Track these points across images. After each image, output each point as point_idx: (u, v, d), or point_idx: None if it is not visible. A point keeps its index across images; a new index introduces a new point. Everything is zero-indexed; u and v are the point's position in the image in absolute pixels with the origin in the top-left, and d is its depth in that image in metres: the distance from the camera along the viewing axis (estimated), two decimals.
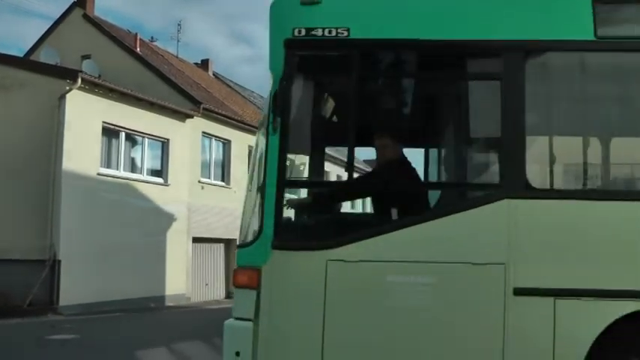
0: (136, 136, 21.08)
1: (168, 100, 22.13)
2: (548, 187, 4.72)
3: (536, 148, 4.71)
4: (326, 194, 5.26)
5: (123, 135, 20.31)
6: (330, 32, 4.55)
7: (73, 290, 17.59)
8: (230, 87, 34.00)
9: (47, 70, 18.97)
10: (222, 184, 25.48)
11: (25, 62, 20.66)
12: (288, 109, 4.54)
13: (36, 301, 17.10)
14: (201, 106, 23.20)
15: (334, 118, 5.20)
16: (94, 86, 18.78)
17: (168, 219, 21.87)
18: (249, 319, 4.50)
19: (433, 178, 5.88)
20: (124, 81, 21.47)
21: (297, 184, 5.09)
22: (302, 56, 4.64)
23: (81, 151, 18.37)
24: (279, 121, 4.51)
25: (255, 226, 4.69)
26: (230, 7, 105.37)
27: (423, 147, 6.40)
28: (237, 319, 4.60)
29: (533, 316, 4.25)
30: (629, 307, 4.14)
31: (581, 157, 4.81)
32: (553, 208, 4.44)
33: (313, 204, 5.15)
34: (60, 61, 22.95)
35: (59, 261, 17.46)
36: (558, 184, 4.84)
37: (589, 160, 4.82)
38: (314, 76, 4.72)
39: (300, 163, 5.32)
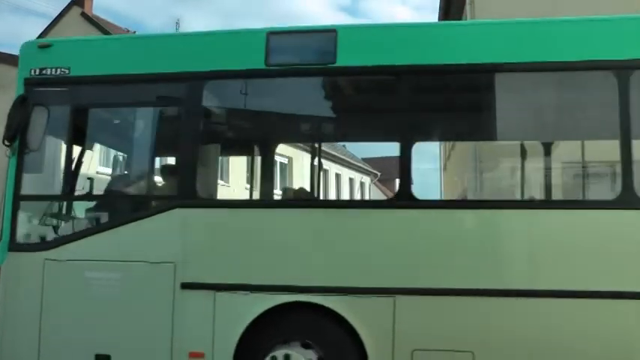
0: None
1: None
2: (213, 197, 5.96)
3: (205, 166, 5.72)
4: (53, 204, 6.09)
5: None
6: (55, 71, 5.64)
7: None
8: None
9: None
10: (222, 182, 25.41)
11: None
12: (25, 137, 5.58)
13: None
14: None
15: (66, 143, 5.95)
16: None
17: None
18: None
19: (130, 190, 6.42)
20: None
21: (30, 197, 5.74)
22: (38, 91, 5.66)
23: None
24: (15, 146, 5.57)
25: None
26: (228, 5, 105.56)
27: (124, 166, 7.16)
28: None
29: (198, 307, 5.08)
30: (278, 299, 4.99)
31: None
32: (215, 215, 5.43)
33: (45, 212, 5.96)
34: None
35: None
36: (222, 196, 6.39)
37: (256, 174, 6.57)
38: (48, 108, 5.63)
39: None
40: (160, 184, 6.15)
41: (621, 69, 4.89)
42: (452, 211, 5.29)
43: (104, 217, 5.75)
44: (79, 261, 5.37)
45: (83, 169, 6.00)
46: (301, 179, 7.09)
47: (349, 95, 6.23)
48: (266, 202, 6.63)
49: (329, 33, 5.39)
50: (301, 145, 7.10)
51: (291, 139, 7.44)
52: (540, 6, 12.09)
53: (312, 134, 7.10)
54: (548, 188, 6.70)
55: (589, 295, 4.67)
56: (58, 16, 26.34)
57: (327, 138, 7.06)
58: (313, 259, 5.08)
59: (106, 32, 25.24)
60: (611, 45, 5.06)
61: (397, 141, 5.15)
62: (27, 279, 5.47)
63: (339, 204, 6.07)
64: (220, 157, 6.42)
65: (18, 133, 5.55)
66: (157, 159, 6.32)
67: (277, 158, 7.23)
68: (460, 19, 14.17)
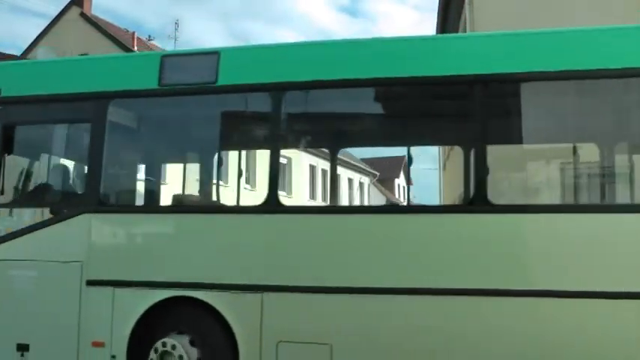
0: None
1: None
2: (116, 203, 6.66)
3: (110, 175, 6.37)
4: None
5: None
6: None
7: None
8: None
9: None
10: (221, 182, 25.41)
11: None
12: None
13: None
14: None
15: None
16: None
17: None
18: None
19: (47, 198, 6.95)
20: None
21: None
22: None
23: None
24: None
25: None
26: (228, 5, 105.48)
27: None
28: None
29: (100, 302, 5.70)
30: (163, 294, 5.58)
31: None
32: (117, 219, 6.12)
33: None
34: None
35: None
36: (125, 201, 6.89)
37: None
38: None
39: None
40: (71, 192, 6.77)
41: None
42: (307, 216, 6.01)
43: (28, 222, 6.44)
44: (4, 261, 6.10)
45: (12, 180, 6.76)
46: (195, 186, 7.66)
47: (233, 112, 6.68)
48: (158, 207, 7.05)
49: (212, 55, 6.00)
50: (190, 161, 7.91)
51: (180, 155, 7.96)
52: (539, 6, 12.11)
53: (200, 148, 7.73)
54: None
55: (438, 293, 5.08)
56: (57, 16, 26.41)
57: (211, 153, 7.49)
58: (196, 258, 5.64)
59: (105, 32, 25.25)
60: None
61: (268, 149, 5.77)
62: None
63: (219, 209, 6.48)
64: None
65: None
66: (71, 170, 7.00)
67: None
68: (459, 19, 14.19)
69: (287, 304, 5.39)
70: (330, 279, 5.31)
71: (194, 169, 7.79)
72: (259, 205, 5.62)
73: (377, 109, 6.57)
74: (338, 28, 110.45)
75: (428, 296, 5.10)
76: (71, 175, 6.96)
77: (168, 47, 32.71)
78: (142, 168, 7.71)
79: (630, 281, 4.69)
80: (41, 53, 23.31)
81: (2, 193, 6.50)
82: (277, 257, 5.48)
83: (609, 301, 4.71)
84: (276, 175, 5.63)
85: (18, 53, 25.89)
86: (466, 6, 12.25)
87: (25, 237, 6.15)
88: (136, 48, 25.63)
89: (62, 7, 26.09)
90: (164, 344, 5.49)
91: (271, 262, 5.48)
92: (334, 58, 5.80)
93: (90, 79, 6.25)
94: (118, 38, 25.21)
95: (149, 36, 32.25)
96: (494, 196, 5.19)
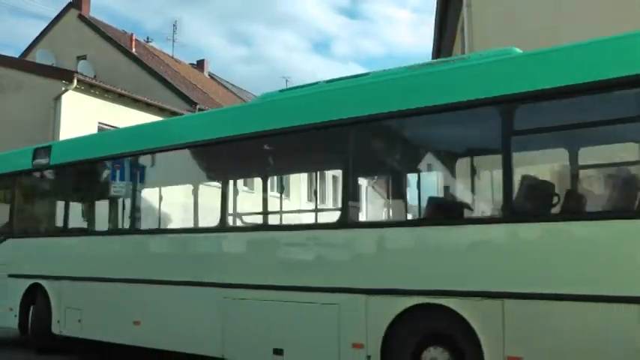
0: None
1: (164, 101, 22.12)
2: (22, 231, 10.63)
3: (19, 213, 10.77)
4: None
5: None
6: None
7: None
8: (226, 87, 34.03)
9: (43, 70, 18.99)
10: (218, 184, 25.38)
11: (21, 63, 20.69)
12: None
13: None
14: (197, 106, 23.21)
15: None
16: (89, 87, 18.78)
17: None
18: None
19: None
20: (119, 82, 21.49)
21: None
22: None
23: None
24: None
25: None
26: (227, 6, 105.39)
27: None
28: None
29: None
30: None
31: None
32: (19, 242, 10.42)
33: None
34: (55, 62, 22.97)
35: None
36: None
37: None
38: None
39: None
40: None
41: None
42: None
43: None
44: None
45: None
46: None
47: (65, 185, 10.13)
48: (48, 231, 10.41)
49: (47, 148, 10.21)
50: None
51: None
52: (537, 7, 12.12)
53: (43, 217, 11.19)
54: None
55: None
56: (55, 18, 26.34)
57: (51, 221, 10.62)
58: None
59: (103, 34, 25.23)
60: None
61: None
62: None
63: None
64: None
65: None
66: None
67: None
68: (457, 22, 14.22)
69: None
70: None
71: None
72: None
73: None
74: (337, 29, 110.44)
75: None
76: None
77: (167, 49, 32.71)
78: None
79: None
80: (39, 55, 23.36)
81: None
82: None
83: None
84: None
85: (17, 54, 25.90)
86: (464, 8, 12.28)
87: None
88: (134, 50, 25.63)
89: (60, 8, 26.10)
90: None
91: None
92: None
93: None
94: (116, 40, 25.20)
95: (147, 38, 32.23)
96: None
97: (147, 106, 20.95)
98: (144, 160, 8.84)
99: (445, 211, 6.43)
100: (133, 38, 26.33)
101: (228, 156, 7.92)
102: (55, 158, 9.84)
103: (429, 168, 7.64)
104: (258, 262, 7.07)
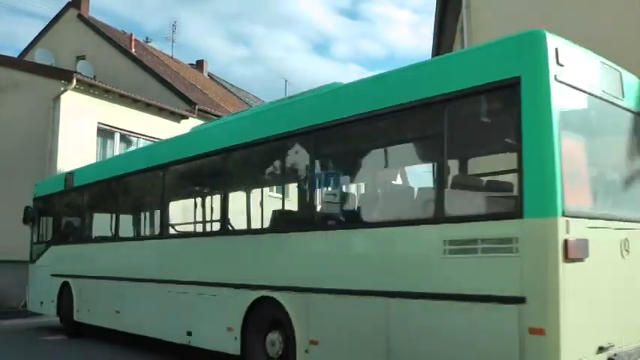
0: (131, 137, 21.07)
1: (163, 101, 22.11)
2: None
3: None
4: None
5: (118, 136, 20.30)
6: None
7: None
8: (225, 88, 34.02)
9: (42, 70, 18.97)
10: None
11: (21, 63, 20.68)
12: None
13: None
14: (197, 107, 23.19)
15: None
16: (89, 87, 18.77)
17: None
18: None
19: None
20: (118, 82, 21.48)
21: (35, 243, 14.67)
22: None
23: (76, 151, 18.34)
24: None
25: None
26: (226, 7, 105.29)
27: None
28: None
29: None
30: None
31: None
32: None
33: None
34: (54, 62, 22.95)
35: None
36: None
37: None
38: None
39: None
40: None
41: None
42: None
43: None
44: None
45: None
46: None
47: (81, 202, 13.10)
48: None
49: (72, 173, 13.11)
50: None
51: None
52: (536, 7, 12.12)
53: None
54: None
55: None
56: (54, 18, 26.32)
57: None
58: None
59: (102, 34, 25.20)
60: None
61: None
62: None
63: None
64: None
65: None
66: None
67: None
68: (456, 23, 14.21)
69: None
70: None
71: None
72: None
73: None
74: (337, 30, 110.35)
75: None
76: None
77: (166, 49, 32.70)
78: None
79: None
80: (38, 55, 23.33)
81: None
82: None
83: None
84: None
85: (16, 54, 25.87)
86: (463, 9, 12.27)
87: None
88: (133, 50, 25.61)
89: (60, 8, 26.09)
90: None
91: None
92: None
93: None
94: (115, 40, 25.19)
95: (147, 38, 32.22)
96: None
97: (146, 106, 20.95)
98: (126, 183, 11.36)
99: (277, 222, 7.99)
100: (133, 38, 26.31)
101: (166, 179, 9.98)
102: (76, 181, 12.79)
103: (272, 189, 10.37)
104: (179, 263, 9.26)
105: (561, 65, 5.11)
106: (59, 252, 13.20)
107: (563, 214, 4.83)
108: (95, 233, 12.22)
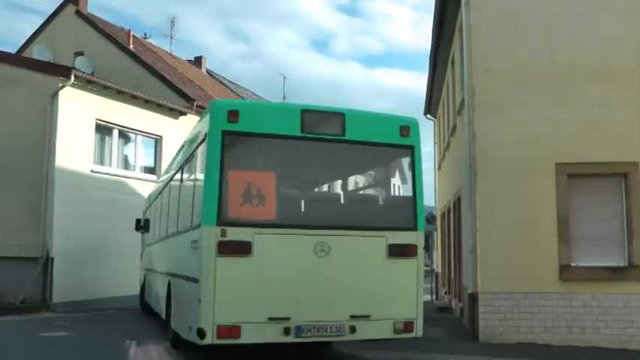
0: (129, 133, 21.05)
1: (162, 97, 22.08)
2: None
3: None
4: None
5: (116, 132, 20.27)
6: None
7: (65, 288, 17.58)
8: (224, 84, 33.97)
9: (40, 66, 18.91)
10: None
11: (18, 59, 20.61)
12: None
13: (29, 299, 17.11)
14: (195, 103, 23.17)
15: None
16: (87, 83, 18.73)
17: None
18: None
19: None
20: (117, 78, 21.44)
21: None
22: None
23: (74, 148, 18.33)
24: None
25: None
26: (226, 3, 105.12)
27: None
28: None
29: None
30: None
31: None
32: None
33: None
34: (52, 58, 22.88)
35: (52, 258, 17.42)
36: None
37: None
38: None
39: None
40: None
41: None
42: None
43: None
44: None
45: None
46: None
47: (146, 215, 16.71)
48: None
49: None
50: None
51: None
52: (535, 6, 12.10)
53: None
54: None
55: None
56: (53, 14, 26.26)
57: None
58: None
59: (100, 30, 25.14)
60: None
61: None
62: None
63: None
64: None
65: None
66: None
67: None
68: (455, 20, 14.19)
69: None
70: None
71: None
72: None
73: None
74: (336, 27, 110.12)
75: None
76: None
77: (165, 45, 32.62)
78: None
79: None
80: (36, 51, 23.26)
81: None
82: None
83: None
84: None
85: (14, 50, 25.80)
86: (462, 7, 12.26)
87: None
88: (131, 46, 25.56)
89: (58, 4, 26.00)
90: None
91: None
92: None
93: None
94: (113, 36, 25.13)
95: (145, 34, 32.15)
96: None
97: (145, 103, 20.93)
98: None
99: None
100: (131, 34, 26.26)
101: None
102: (151, 196, 16.49)
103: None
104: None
105: (232, 122, 7.56)
106: (145, 251, 16.84)
107: (219, 224, 7.35)
108: (147, 238, 16.29)
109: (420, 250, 8.27)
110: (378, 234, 8.00)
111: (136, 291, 18.30)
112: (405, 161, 8.53)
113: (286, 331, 7.45)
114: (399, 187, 9.52)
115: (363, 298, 7.84)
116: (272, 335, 7.44)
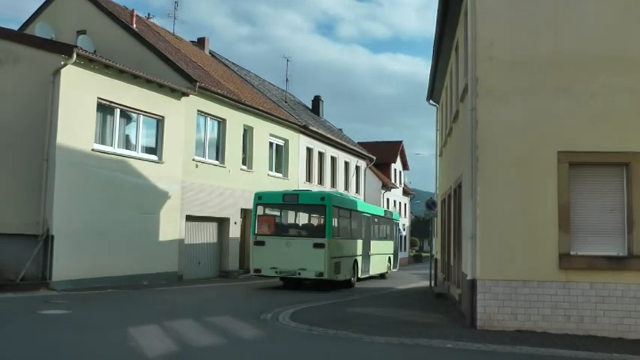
0: (131, 113, 21.01)
1: (164, 78, 22.03)
2: None
3: None
4: None
5: (118, 111, 20.22)
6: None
7: (65, 266, 17.64)
8: (227, 66, 33.86)
9: (42, 44, 18.80)
10: (217, 162, 25.45)
11: (21, 36, 20.50)
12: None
13: (28, 276, 17.18)
14: (197, 84, 23.09)
15: None
16: (89, 62, 18.66)
17: (162, 196, 21.90)
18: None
19: None
20: (119, 57, 21.37)
21: None
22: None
23: (75, 126, 18.30)
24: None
25: None
26: None
27: None
28: None
29: None
30: None
31: None
32: None
33: None
34: (54, 36, 22.78)
35: (52, 236, 17.45)
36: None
37: None
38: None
39: None
40: None
41: None
42: None
43: None
44: None
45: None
46: None
47: None
48: None
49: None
50: None
51: None
52: (539, 4, 12.03)
53: None
54: None
55: None
56: None
57: None
58: None
59: (103, 9, 24.99)
60: None
61: None
62: None
63: None
64: None
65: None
66: None
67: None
68: (460, 6, 14.11)
69: None
70: None
71: None
72: None
73: None
74: (343, 11, 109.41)
75: None
76: None
77: (168, 26, 32.44)
78: None
79: None
80: (39, 28, 23.15)
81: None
82: None
83: None
84: None
85: (17, 27, 25.67)
86: (466, 5, 12.18)
87: None
88: (134, 26, 25.44)
89: None
90: None
91: None
92: None
93: None
94: (116, 15, 25.01)
95: (148, 14, 31.99)
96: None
97: (147, 82, 20.89)
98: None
99: None
100: (134, 14, 26.11)
101: None
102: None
103: None
104: None
105: (259, 199, 22.49)
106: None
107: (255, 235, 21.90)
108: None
109: (327, 245, 20.47)
110: (310, 239, 20.87)
111: (134, 270, 20.14)
112: (323, 210, 21.13)
113: (276, 272, 20.96)
114: (320, 220, 21.74)
115: (304, 263, 20.51)
116: (271, 273, 21.06)
